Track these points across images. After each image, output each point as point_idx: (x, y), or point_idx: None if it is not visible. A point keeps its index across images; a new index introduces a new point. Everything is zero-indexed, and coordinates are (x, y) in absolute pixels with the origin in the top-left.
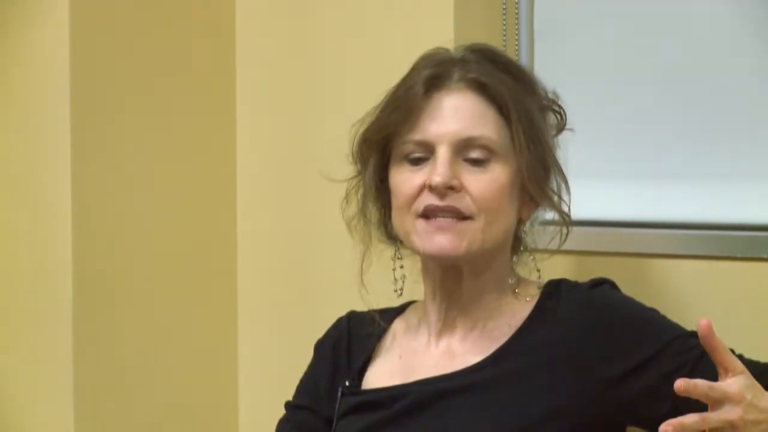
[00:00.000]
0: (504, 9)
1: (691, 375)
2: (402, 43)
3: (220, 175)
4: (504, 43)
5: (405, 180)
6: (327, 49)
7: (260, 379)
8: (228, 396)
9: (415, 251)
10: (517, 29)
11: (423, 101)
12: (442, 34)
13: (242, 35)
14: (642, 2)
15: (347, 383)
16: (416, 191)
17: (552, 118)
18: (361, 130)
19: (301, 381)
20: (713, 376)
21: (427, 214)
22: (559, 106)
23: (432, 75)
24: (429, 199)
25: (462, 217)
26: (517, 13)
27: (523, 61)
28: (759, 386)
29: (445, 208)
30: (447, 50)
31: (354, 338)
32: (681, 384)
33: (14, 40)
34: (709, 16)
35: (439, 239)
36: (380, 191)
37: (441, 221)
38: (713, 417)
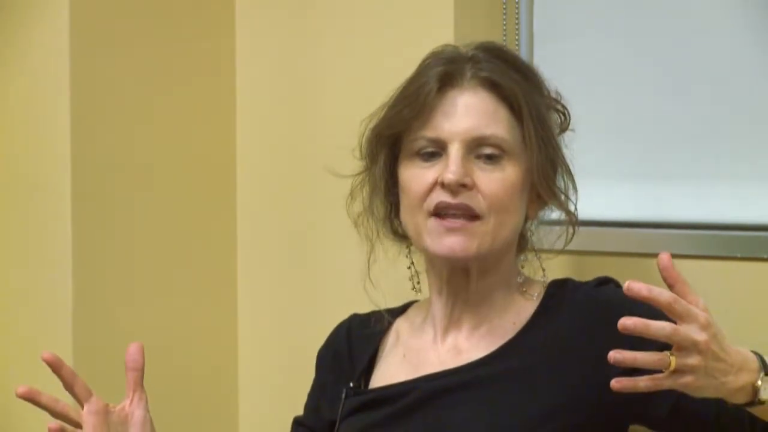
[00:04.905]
0: (504, 9)
1: None
2: (402, 42)
3: (221, 175)
4: (504, 43)
5: (416, 176)
6: (327, 47)
7: (260, 380)
8: (228, 396)
9: (424, 251)
10: (517, 29)
11: (436, 98)
12: (442, 34)
13: (242, 32)
14: (642, 2)
15: (351, 384)
16: (428, 188)
17: (556, 118)
18: (371, 125)
19: (308, 395)
20: None
21: (439, 212)
22: (563, 106)
23: (445, 72)
24: (441, 196)
25: (473, 216)
26: (517, 13)
27: None
28: (720, 329)
29: (457, 206)
30: (456, 47)
31: (354, 340)
32: (631, 284)
33: (14, 40)
34: (709, 16)
35: (450, 240)
36: (388, 187)
37: (452, 221)
38: (683, 330)
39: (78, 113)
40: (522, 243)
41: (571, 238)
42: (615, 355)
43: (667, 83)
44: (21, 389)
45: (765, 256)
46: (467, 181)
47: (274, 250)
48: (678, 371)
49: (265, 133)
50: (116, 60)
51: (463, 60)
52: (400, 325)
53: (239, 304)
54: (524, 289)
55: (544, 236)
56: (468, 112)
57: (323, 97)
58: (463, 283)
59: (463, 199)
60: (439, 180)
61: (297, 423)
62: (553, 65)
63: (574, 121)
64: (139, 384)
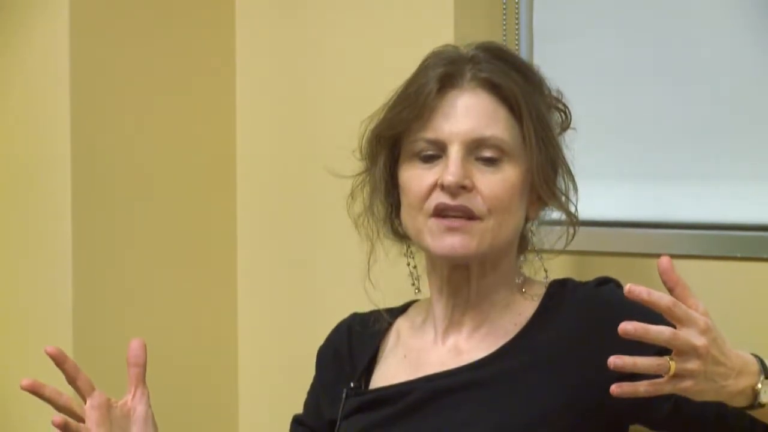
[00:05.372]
0: (504, 9)
1: None
2: (402, 42)
3: (221, 175)
4: (504, 43)
5: (416, 177)
6: (327, 47)
7: (260, 379)
8: (228, 396)
9: (425, 250)
10: (517, 29)
11: (436, 100)
12: (442, 34)
13: (242, 32)
14: (642, 2)
15: (352, 384)
16: (428, 189)
17: (557, 117)
18: (371, 126)
19: (308, 393)
20: None
21: (439, 213)
22: (564, 105)
23: (445, 73)
24: (441, 198)
25: (472, 217)
26: (517, 13)
27: None
28: (720, 332)
29: (456, 208)
30: (456, 48)
31: (356, 339)
32: (632, 287)
33: (14, 40)
34: (709, 16)
35: (450, 240)
36: (389, 188)
37: (452, 221)
38: (682, 335)
39: (78, 113)
40: (523, 243)
41: (572, 239)
42: (615, 360)
43: (667, 83)
44: (25, 382)
45: (765, 256)
46: (467, 183)
47: (274, 250)
48: (678, 376)
49: (265, 133)
50: (116, 60)
51: (463, 60)
52: (401, 324)
53: (239, 304)
54: (524, 290)
55: (544, 236)
56: (468, 113)
57: (323, 97)
58: (463, 283)
59: (462, 200)
60: (439, 182)
61: (296, 421)
62: (553, 65)
63: (575, 121)
64: (141, 379)
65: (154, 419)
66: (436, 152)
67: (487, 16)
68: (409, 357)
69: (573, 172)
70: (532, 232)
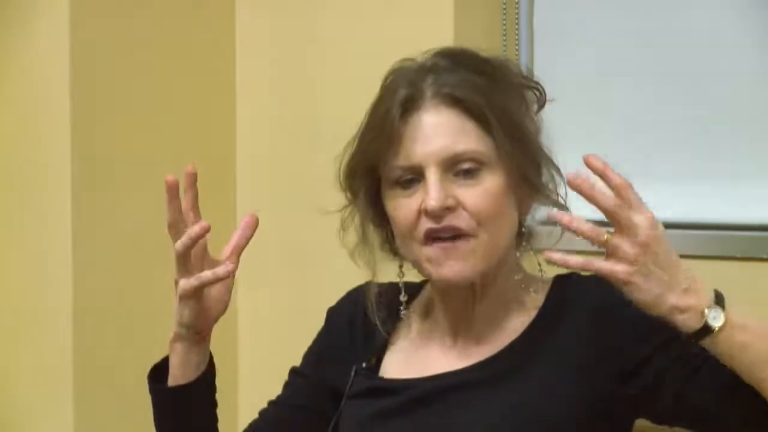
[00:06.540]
0: (504, 9)
1: (695, 371)
2: (402, 42)
3: (220, 174)
4: (504, 43)
5: (400, 206)
6: (327, 47)
7: (260, 379)
8: (228, 395)
9: (426, 277)
10: (517, 29)
11: (401, 125)
12: (442, 34)
13: (242, 32)
14: (642, 3)
15: (364, 364)
16: (414, 217)
17: (531, 96)
18: (345, 161)
19: (309, 347)
20: (718, 376)
21: (429, 237)
22: (536, 82)
23: (406, 97)
24: (428, 224)
25: (463, 234)
26: (517, 13)
27: (523, 61)
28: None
29: (445, 229)
30: (414, 60)
31: (370, 315)
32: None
33: (14, 40)
34: (709, 17)
35: (450, 266)
36: (377, 215)
37: (446, 243)
38: (626, 208)
39: (78, 112)
40: (519, 238)
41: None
42: (555, 214)
43: (667, 83)
44: (170, 177)
45: (765, 256)
46: (450, 203)
47: (274, 248)
48: (612, 254)
49: (264, 131)
50: (116, 59)
51: (422, 75)
52: (414, 314)
53: (239, 304)
54: (524, 287)
55: (545, 237)
56: (436, 133)
57: (323, 96)
58: (468, 300)
59: (449, 221)
60: (422, 208)
61: (294, 372)
62: (554, 65)
63: (573, 120)
64: (239, 251)
65: (231, 292)
66: (414, 176)
67: (487, 16)
68: (419, 353)
69: (556, 162)
70: (526, 228)
